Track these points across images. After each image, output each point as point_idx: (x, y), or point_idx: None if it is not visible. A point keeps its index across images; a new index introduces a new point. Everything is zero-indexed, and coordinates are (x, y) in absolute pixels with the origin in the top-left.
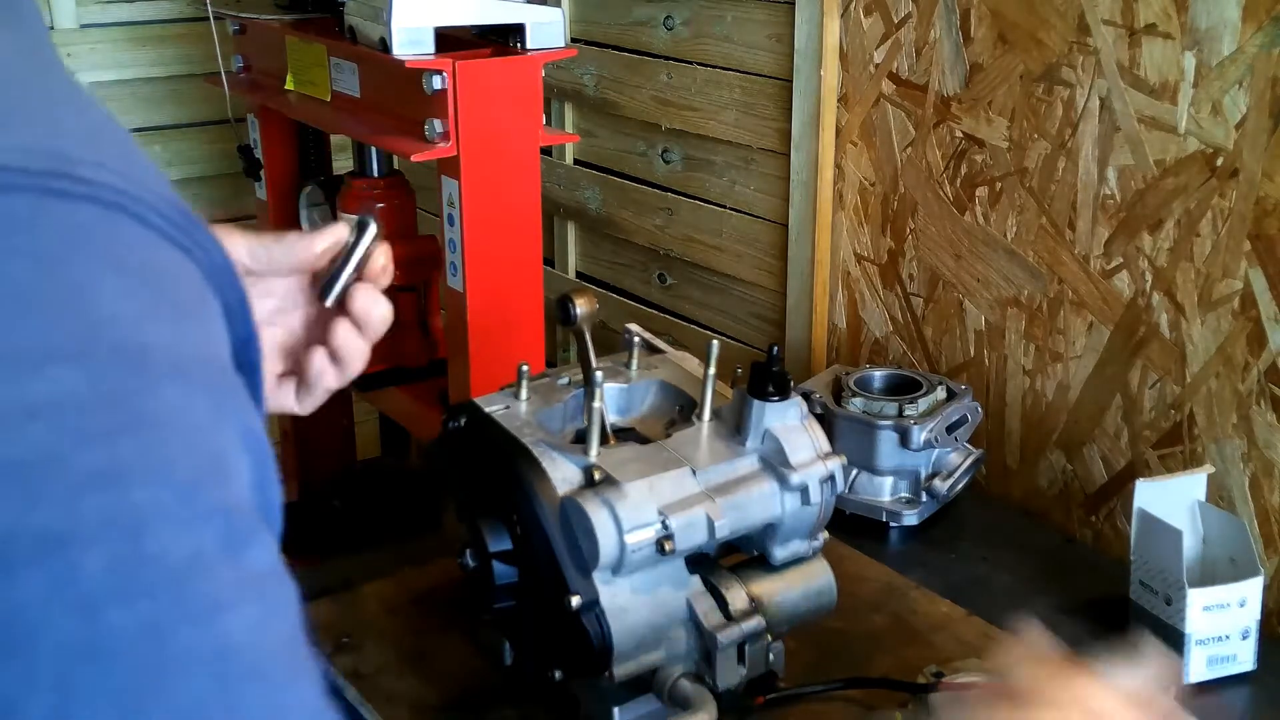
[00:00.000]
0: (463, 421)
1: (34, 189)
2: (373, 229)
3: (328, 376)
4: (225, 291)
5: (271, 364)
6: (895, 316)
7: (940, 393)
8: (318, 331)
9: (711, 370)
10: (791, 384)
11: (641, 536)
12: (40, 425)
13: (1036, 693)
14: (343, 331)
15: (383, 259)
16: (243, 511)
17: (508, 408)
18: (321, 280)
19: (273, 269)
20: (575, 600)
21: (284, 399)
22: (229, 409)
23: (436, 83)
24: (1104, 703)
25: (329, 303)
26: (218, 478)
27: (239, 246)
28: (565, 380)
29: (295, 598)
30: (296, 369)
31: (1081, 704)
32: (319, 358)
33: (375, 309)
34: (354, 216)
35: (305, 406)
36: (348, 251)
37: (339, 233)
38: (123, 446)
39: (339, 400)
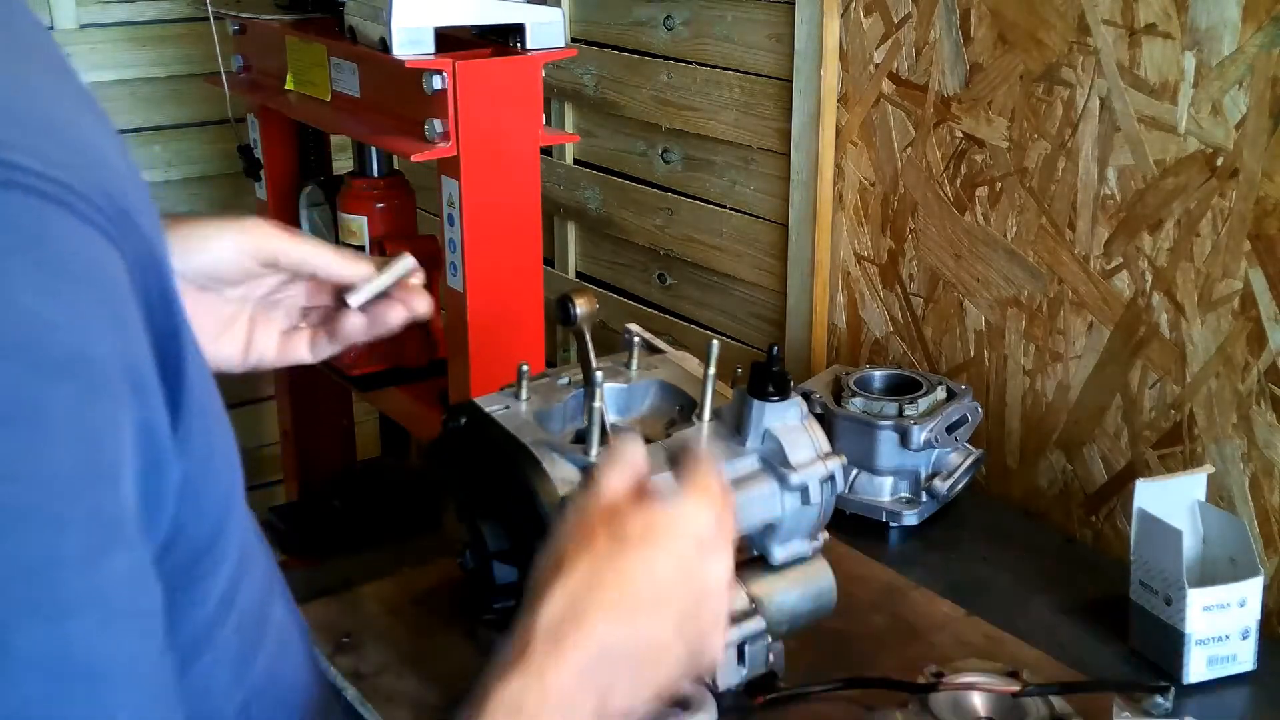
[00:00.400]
0: (463, 421)
1: None
2: (408, 260)
3: (358, 333)
4: (149, 289)
5: (279, 323)
6: (895, 316)
7: (940, 393)
8: (293, 298)
9: (711, 370)
10: (791, 384)
11: None
12: None
13: (631, 525)
14: (394, 315)
15: (422, 299)
16: (114, 518)
17: (508, 408)
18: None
19: (298, 273)
20: None
21: (296, 350)
22: (128, 406)
23: (436, 83)
24: (696, 524)
25: (353, 305)
26: (97, 482)
27: (275, 242)
28: (565, 380)
29: (154, 608)
30: (310, 322)
31: (680, 535)
32: (356, 322)
33: (423, 306)
34: (399, 257)
35: (318, 354)
36: (380, 272)
37: (369, 271)
38: (4, 441)
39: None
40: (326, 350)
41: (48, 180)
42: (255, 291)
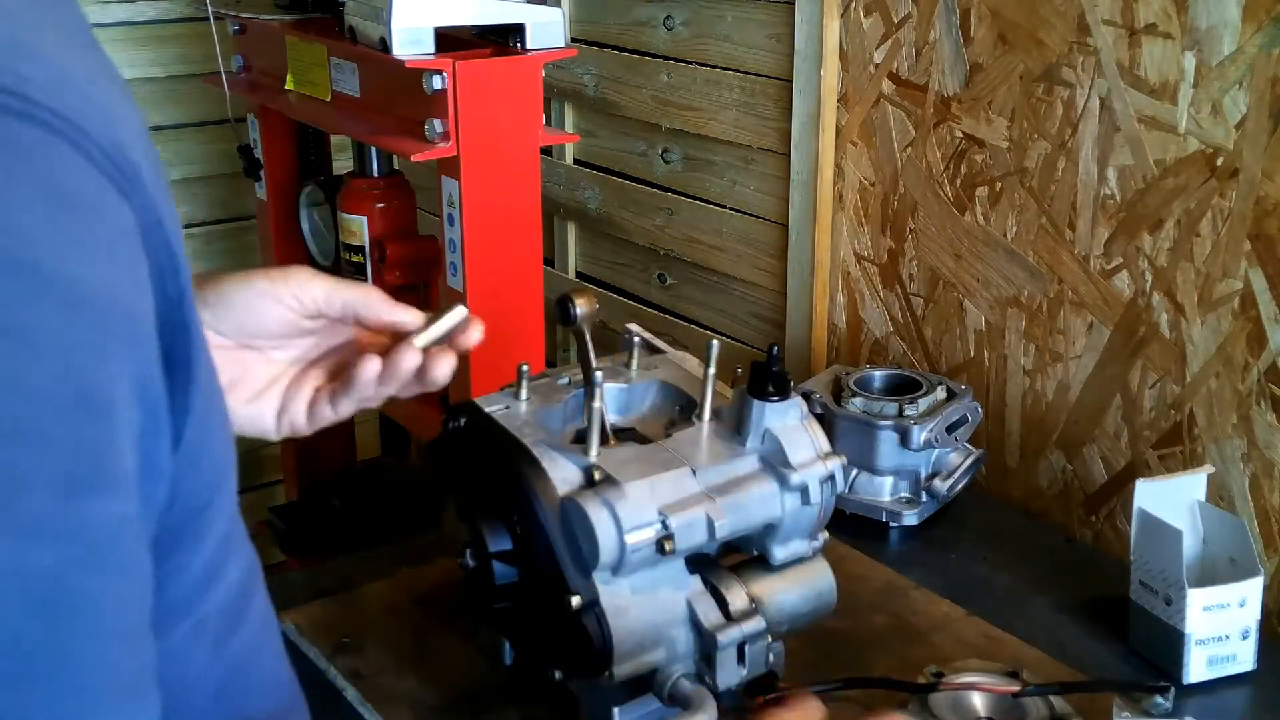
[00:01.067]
0: (463, 421)
1: None
2: (460, 311)
3: (371, 387)
4: (157, 251)
5: (312, 383)
6: (895, 316)
7: (940, 393)
8: (344, 357)
9: (711, 370)
10: (791, 384)
11: (641, 536)
12: None
13: None
14: (410, 357)
15: (476, 336)
16: (103, 458)
17: (508, 408)
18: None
19: (342, 317)
20: (575, 600)
21: (323, 412)
22: (124, 353)
23: (436, 83)
24: None
25: (417, 345)
26: (81, 412)
27: (317, 287)
28: (565, 380)
29: (139, 568)
30: (332, 381)
31: None
32: (374, 364)
33: (444, 371)
34: (452, 307)
35: (342, 410)
36: (428, 324)
37: (418, 317)
38: None
39: None
40: (349, 407)
41: (65, 121)
42: (301, 352)
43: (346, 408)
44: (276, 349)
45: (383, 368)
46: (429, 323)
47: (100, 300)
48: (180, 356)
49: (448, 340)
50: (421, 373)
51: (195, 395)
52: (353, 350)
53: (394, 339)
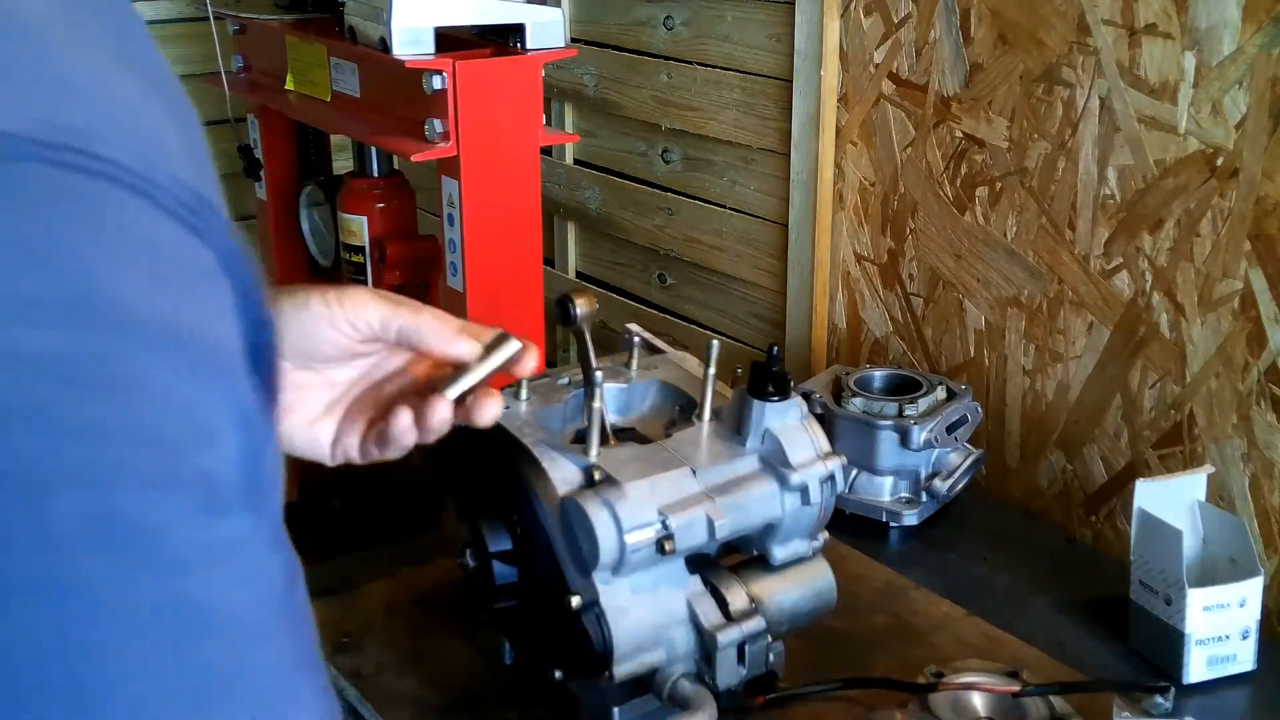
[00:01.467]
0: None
1: (46, 160)
2: (513, 345)
3: (409, 436)
4: (238, 277)
5: (366, 416)
6: (895, 316)
7: (940, 393)
8: (404, 383)
9: (711, 370)
10: (791, 384)
11: (641, 536)
12: (24, 374)
13: None
14: (442, 410)
15: (531, 365)
16: (221, 482)
17: (508, 408)
18: (447, 376)
19: (397, 343)
20: (575, 600)
21: (371, 452)
22: (220, 384)
23: (436, 83)
24: None
25: (450, 396)
26: (198, 445)
27: (372, 312)
28: (565, 380)
29: (277, 571)
30: (380, 420)
31: None
32: (405, 418)
33: (489, 414)
34: (495, 331)
35: (389, 454)
36: (480, 359)
37: (474, 349)
38: (103, 405)
39: None
40: (393, 452)
41: (128, 171)
42: (360, 372)
43: (391, 453)
44: (333, 370)
45: (415, 420)
46: (485, 353)
47: (197, 340)
48: (266, 378)
49: (503, 369)
50: (465, 414)
51: (274, 415)
52: (409, 379)
53: (452, 366)
